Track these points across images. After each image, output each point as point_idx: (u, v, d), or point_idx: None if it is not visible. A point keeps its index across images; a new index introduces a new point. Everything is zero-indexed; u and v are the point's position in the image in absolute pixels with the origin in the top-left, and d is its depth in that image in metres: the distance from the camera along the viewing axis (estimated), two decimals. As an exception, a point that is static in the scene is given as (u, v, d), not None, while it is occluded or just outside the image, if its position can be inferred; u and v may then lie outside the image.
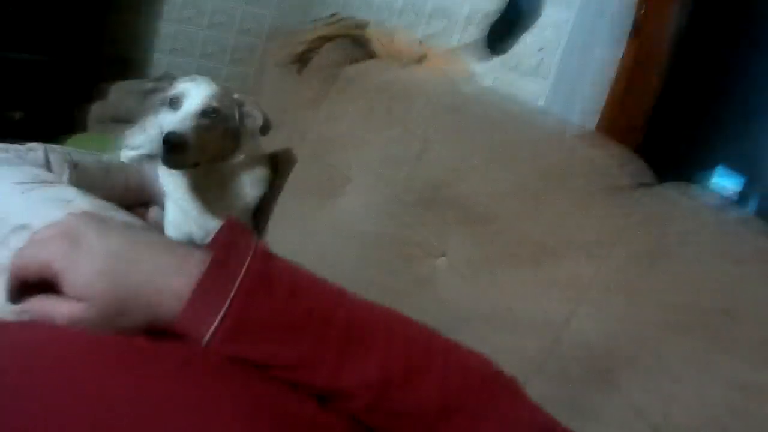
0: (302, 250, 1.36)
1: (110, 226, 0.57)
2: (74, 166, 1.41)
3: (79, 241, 0.54)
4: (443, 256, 1.17)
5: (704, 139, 2.46)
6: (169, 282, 0.53)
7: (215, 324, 0.51)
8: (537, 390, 0.66)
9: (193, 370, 0.51)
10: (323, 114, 1.61)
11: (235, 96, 1.48)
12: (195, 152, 1.31)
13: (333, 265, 1.29)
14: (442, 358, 0.59)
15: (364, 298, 0.61)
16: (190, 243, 1.55)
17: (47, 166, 1.34)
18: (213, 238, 0.57)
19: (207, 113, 1.37)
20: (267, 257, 0.56)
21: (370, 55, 1.71)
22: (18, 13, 2.68)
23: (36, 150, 1.34)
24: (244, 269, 0.53)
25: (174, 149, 1.27)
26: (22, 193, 1.09)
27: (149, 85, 1.48)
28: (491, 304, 1.03)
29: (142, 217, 1.67)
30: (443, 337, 0.62)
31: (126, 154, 1.88)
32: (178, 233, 1.58)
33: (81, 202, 1.12)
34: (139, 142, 1.84)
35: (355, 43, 1.72)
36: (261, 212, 1.62)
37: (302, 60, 1.80)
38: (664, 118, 1.76)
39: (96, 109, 2.41)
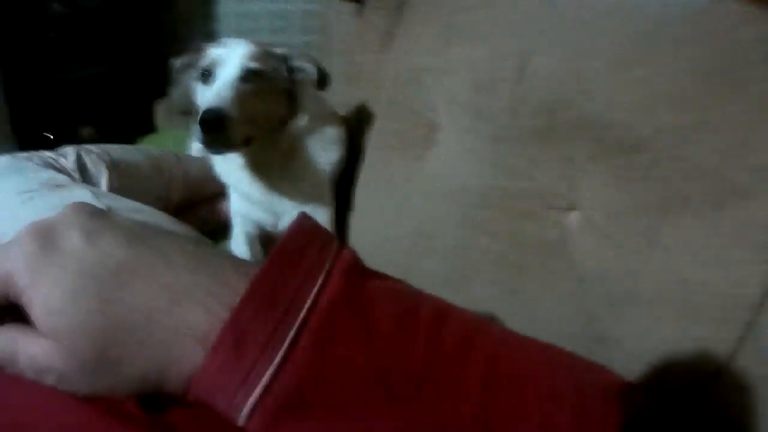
0: (396, 222, 1.14)
1: (110, 225, 0.40)
2: (114, 166, 1.27)
3: (55, 244, 0.38)
4: (574, 209, 0.84)
5: None
6: (185, 318, 0.36)
7: (256, 394, 0.34)
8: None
9: None
10: (395, 51, 1.30)
11: (279, 51, 1.24)
12: (242, 128, 1.10)
13: (433, 236, 1.05)
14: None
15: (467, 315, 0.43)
16: (263, 238, 1.36)
17: (82, 169, 1.20)
18: (272, 251, 0.39)
19: (248, 78, 1.15)
20: (347, 280, 0.39)
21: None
22: (75, 31, 2.82)
23: (68, 154, 1.21)
24: (308, 303, 0.36)
25: (214, 129, 1.06)
26: (23, 203, 0.94)
27: (177, 62, 1.29)
28: (653, 275, 0.71)
29: (212, 212, 1.53)
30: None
31: (194, 147, 1.76)
32: (247, 224, 1.39)
33: (94, 203, 0.90)
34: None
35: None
36: (342, 182, 1.36)
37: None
38: None
39: (162, 108, 2.29)
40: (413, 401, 0.36)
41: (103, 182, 1.21)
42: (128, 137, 1.46)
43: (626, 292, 0.73)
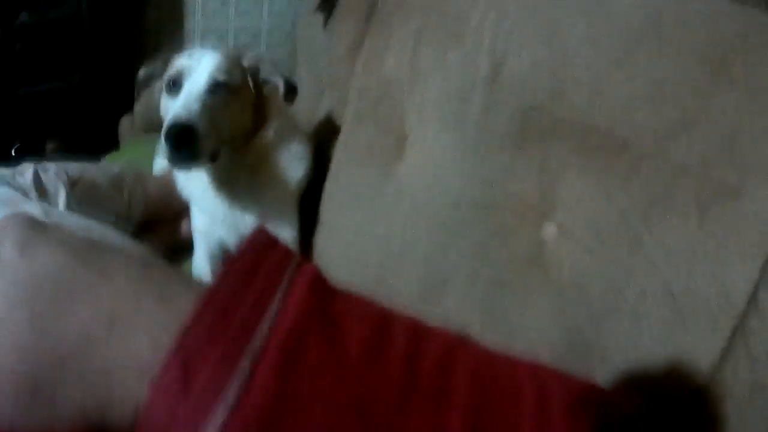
0: (364, 238, 1.10)
1: (48, 240, 0.36)
2: (73, 184, 1.22)
3: None
4: (551, 220, 0.81)
5: None
6: (126, 347, 0.32)
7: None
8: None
9: None
10: (363, 60, 1.27)
11: (246, 62, 1.20)
12: (209, 142, 1.05)
13: (403, 252, 1.02)
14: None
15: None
16: (225, 254, 1.30)
17: (38, 187, 1.16)
18: (222, 266, 0.35)
19: (215, 90, 1.10)
20: (310, 298, 0.35)
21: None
22: (41, 42, 2.76)
23: (24, 172, 1.16)
24: (266, 323, 0.32)
25: (181, 143, 1.01)
26: None
27: (142, 72, 1.25)
28: (636, 285, 0.68)
29: (174, 231, 1.46)
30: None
31: (158, 164, 1.70)
32: (209, 241, 1.32)
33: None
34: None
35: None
36: (308, 198, 1.31)
37: (325, 6, 1.45)
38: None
39: (126, 123, 2.23)
40: (392, 430, 0.32)
41: (61, 201, 1.17)
42: (94, 152, 1.40)
43: (608, 303, 0.70)
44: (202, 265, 1.30)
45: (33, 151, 1.24)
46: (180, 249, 1.39)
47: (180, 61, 1.14)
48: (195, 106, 1.05)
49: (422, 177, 1.01)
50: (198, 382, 0.30)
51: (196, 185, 1.25)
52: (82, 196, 1.22)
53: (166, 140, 1.00)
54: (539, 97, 0.79)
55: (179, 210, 1.43)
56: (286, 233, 1.28)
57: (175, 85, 1.11)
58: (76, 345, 0.32)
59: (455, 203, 0.93)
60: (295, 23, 2.52)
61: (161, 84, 1.16)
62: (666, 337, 0.65)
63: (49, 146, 2.74)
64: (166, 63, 1.19)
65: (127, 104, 2.40)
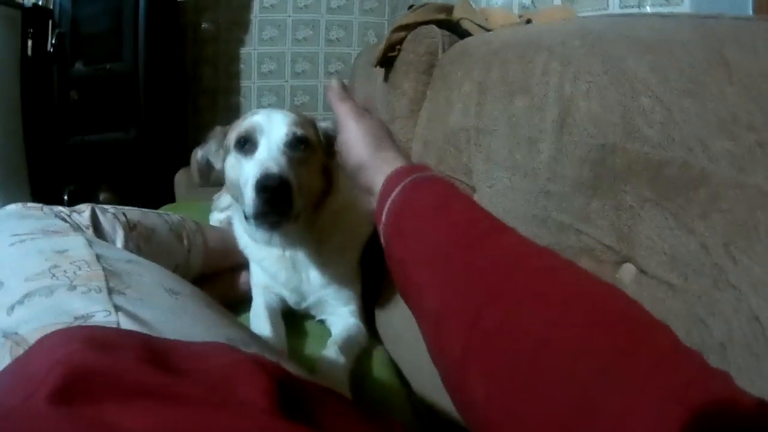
0: None
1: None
2: (131, 227, 1.20)
3: None
4: (628, 260, 0.81)
5: None
6: None
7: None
8: None
9: None
10: (427, 113, 1.30)
11: (321, 124, 1.19)
12: (300, 197, 1.03)
13: None
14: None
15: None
16: (285, 313, 1.35)
17: (96, 227, 1.13)
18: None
19: (295, 145, 1.08)
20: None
21: (463, 37, 1.39)
22: (96, 93, 2.84)
23: (82, 211, 1.13)
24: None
25: (277, 198, 0.96)
26: (11, 245, 0.88)
27: (198, 154, 1.25)
28: (725, 317, 0.67)
29: (232, 284, 1.50)
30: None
31: (214, 218, 1.82)
32: (269, 297, 1.35)
33: (80, 252, 0.86)
34: (225, 203, 1.75)
35: (443, 27, 1.40)
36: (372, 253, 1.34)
37: (386, 62, 1.50)
38: None
39: (181, 177, 2.30)
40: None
41: (119, 242, 1.15)
42: (147, 205, 1.44)
43: (693, 338, 0.69)
44: (260, 319, 1.29)
45: (86, 200, 1.23)
46: (237, 302, 1.40)
47: (249, 119, 1.11)
48: (282, 160, 1.01)
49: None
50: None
51: (258, 246, 1.26)
52: (141, 241, 1.20)
53: (259, 193, 0.95)
54: (611, 137, 0.81)
55: (237, 262, 1.47)
56: (347, 295, 1.30)
57: (246, 143, 1.08)
58: None
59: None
60: (351, 81, 2.58)
61: (227, 142, 1.15)
62: (754, 369, 0.64)
63: (102, 196, 2.76)
64: (223, 134, 1.19)
65: (179, 158, 2.43)
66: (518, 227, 0.93)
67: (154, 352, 0.58)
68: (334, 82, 0.90)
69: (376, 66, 1.54)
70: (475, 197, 1.08)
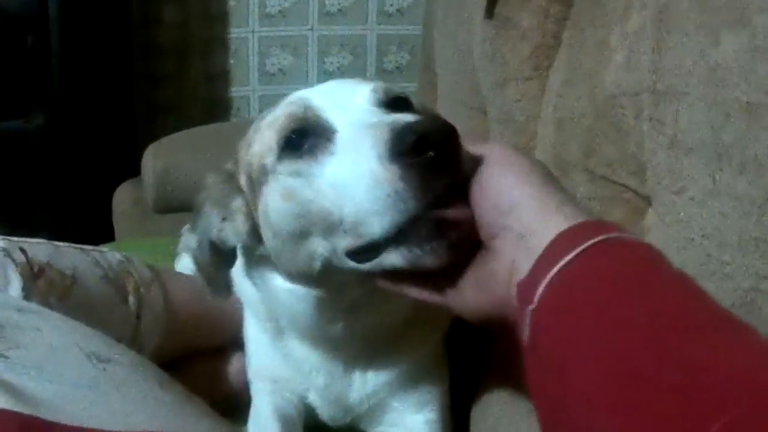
0: None
1: None
2: (36, 273, 0.85)
3: None
4: None
5: None
6: None
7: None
8: None
9: None
10: (559, 77, 0.94)
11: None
12: None
13: None
14: None
15: None
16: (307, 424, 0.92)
17: None
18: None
19: (396, 105, 0.72)
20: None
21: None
22: None
23: None
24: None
25: (445, 166, 0.59)
26: None
27: (193, 241, 0.85)
28: None
29: (215, 374, 1.07)
30: None
31: (183, 264, 1.24)
32: (280, 399, 0.90)
33: None
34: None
35: None
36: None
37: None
38: None
39: (125, 195, 1.82)
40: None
41: (14, 292, 0.82)
42: (64, 238, 0.99)
43: None
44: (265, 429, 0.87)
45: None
46: (226, 403, 0.95)
47: (291, 102, 0.73)
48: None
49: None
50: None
51: (286, 308, 0.81)
52: (52, 295, 0.84)
53: (412, 155, 0.56)
54: None
55: (225, 339, 1.05)
56: (428, 391, 0.89)
57: (307, 138, 0.67)
58: None
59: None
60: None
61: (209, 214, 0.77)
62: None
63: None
64: (227, 177, 0.79)
65: (128, 165, 1.76)
66: (729, 260, 0.62)
67: None
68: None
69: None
70: (651, 216, 0.71)
